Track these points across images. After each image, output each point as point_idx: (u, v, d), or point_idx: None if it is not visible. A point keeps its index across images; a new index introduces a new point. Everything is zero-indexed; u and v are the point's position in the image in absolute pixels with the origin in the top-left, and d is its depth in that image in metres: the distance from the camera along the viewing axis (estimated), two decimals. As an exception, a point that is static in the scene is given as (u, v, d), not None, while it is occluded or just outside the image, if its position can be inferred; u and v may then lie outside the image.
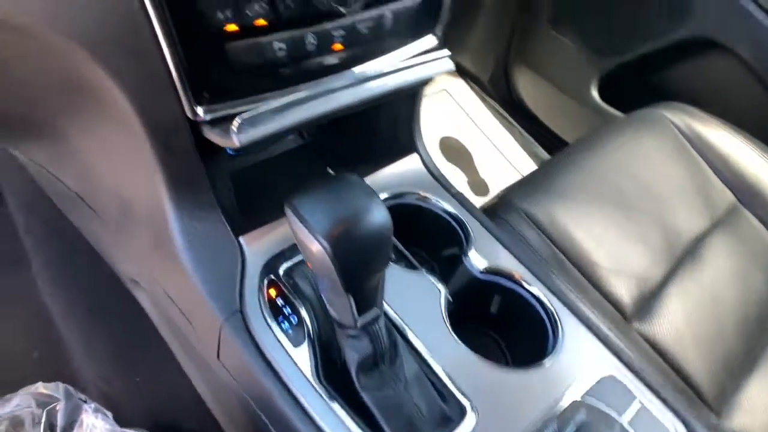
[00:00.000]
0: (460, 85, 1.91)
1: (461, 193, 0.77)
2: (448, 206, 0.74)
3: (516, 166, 1.74)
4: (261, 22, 0.49)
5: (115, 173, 0.64)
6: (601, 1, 1.48)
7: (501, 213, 0.87)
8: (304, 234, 0.45)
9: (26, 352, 1.12)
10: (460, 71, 1.93)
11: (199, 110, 0.51)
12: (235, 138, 0.51)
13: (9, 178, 1.10)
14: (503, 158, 1.75)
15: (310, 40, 0.54)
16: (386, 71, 0.61)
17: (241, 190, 0.65)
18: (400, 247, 0.70)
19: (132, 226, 0.68)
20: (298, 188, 0.69)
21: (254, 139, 0.52)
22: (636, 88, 1.52)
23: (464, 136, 1.78)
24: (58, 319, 1.06)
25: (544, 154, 1.76)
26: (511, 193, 0.91)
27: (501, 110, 1.84)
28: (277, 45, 0.51)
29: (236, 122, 0.51)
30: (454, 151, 1.73)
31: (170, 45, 0.46)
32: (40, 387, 0.95)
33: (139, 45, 0.45)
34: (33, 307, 1.12)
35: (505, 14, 1.70)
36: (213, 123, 0.53)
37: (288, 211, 0.46)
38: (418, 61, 0.64)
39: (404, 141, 0.78)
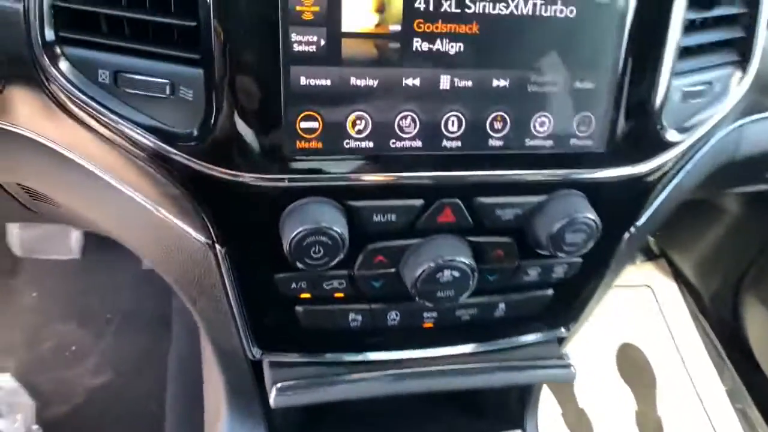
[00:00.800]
0: (671, 289, 1.61)
1: None
2: None
3: (711, 417, 1.37)
4: (339, 294, 0.45)
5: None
6: None
7: None
8: None
9: (136, 410, 1.23)
10: (677, 274, 1.64)
11: (256, 352, 0.49)
12: (272, 400, 0.47)
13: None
14: (697, 400, 1.40)
15: (393, 316, 0.47)
16: (482, 365, 0.51)
17: (302, 410, 0.62)
18: None
19: (209, 394, 0.70)
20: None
21: (291, 405, 0.48)
22: None
23: (654, 352, 1.48)
24: (168, 398, 1.15)
25: (757, 417, 1.36)
26: None
27: (714, 340, 1.49)
28: (352, 316, 0.47)
29: (277, 386, 0.47)
30: (633, 366, 1.45)
31: (237, 300, 0.45)
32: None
33: (211, 289, 0.45)
34: (161, 371, 1.24)
35: (755, 234, 1.39)
36: (272, 364, 0.51)
37: None
38: (534, 360, 0.52)
39: (510, 413, 0.65)
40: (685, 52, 0.43)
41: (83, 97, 0.36)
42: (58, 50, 0.35)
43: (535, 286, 0.49)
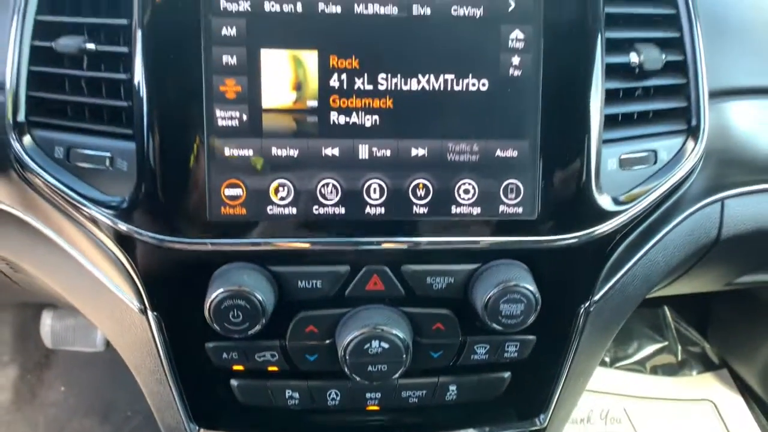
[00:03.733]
0: (737, 403, 1.43)
1: None
2: None
3: None
4: (273, 368, 0.45)
5: None
6: None
7: None
8: None
9: None
10: (742, 386, 1.46)
11: (193, 428, 0.48)
12: None
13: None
14: None
15: (333, 396, 0.45)
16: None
17: None
18: None
19: None
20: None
21: None
22: None
23: (720, 479, 1.28)
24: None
25: None
26: None
27: (793, 465, 1.28)
28: (288, 393, 0.45)
29: None
30: (695, 495, 1.25)
31: (171, 370, 0.45)
32: None
33: (148, 356, 0.46)
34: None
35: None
36: None
37: None
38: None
39: None
40: (623, 120, 0.43)
41: (40, 171, 0.40)
42: (25, 130, 0.40)
43: (488, 366, 0.46)
